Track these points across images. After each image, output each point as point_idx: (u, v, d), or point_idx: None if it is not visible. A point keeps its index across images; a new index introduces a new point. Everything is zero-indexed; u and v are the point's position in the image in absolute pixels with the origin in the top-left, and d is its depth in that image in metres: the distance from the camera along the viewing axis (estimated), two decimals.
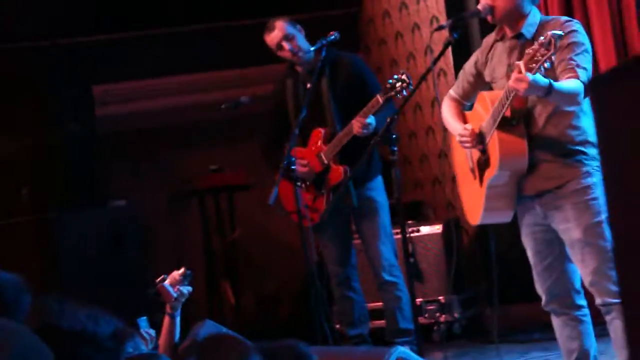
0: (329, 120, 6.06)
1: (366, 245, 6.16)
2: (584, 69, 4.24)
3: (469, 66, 4.67)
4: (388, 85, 5.64)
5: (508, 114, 4.29)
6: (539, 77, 4.07)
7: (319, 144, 6.06)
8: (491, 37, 4.58)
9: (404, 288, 6.08)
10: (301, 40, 6.01)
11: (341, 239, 6.18)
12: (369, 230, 6.11)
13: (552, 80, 4.12)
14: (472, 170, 4.54)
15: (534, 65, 4.04)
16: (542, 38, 4.05)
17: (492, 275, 4.58)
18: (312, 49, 5.96)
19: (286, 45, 6.00)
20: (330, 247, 6.13)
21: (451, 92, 4.75)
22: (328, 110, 6.05)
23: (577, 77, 4.20)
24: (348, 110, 5.90)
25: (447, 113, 4.69)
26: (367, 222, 6.11)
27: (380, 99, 5.67)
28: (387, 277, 6.09)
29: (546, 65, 4.05)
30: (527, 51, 4.12)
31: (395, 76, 5.64)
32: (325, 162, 6.03)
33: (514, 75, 4.10)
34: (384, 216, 6.09)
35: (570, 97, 4.21)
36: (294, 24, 6.07)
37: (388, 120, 4.62)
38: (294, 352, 2.48)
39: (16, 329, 2.12)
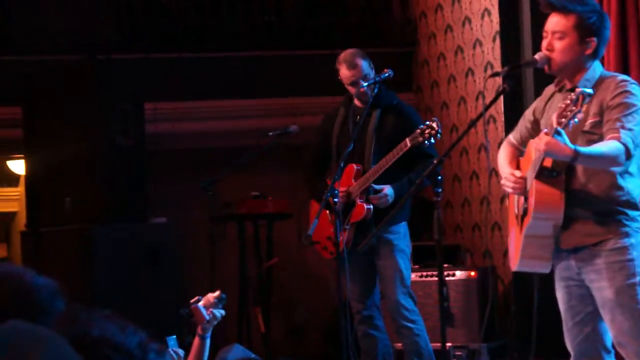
0: (366, 158, 6.06)
1: (382, 288, 6.13)
2: (629, 130, 4.17)
3: (528, 113, 4.63)
4: (418, 131, 5.68)
5: (549, 164, 4.26)
6: (564, 140, 4.04)
7: (351, 179, 6.07)
8: (552, 86, 4.54)
9: (422, 332, 6.03)
10: (371, 81, 5.99)
11: (361, 276, 6.10)
12: (384, 273, 6.07)
13: (578, 147, 4.09)
14: (517, 217, 4.52)
15: (563, 120, 4.03)
16: (572, 94, 4.03)
17: (532, 325, 4.51)
18: (365, 84, 5.97)
19: (362, 84, 5.99)
20: (351, 284, 5.98)
21: (510, 136, 4.71)
22: (368, 149, 6.05)
23: (619, 139, 4.15)
24: (387, 153, 5.90)
25: (502, 157, 4.66)
26: (383, 264, 6.07)
27: (408, 142, 5.72)
28: (402, 322, 6.03)
29: (574, 121, 4.02)
30: (559, 105, 4.11)
31: (427, 122, 5.68)
32: (352, 197, 6.05)
33: (541, 134, 4.09)
34: (401, 261, 6.04)
35: (604, 160, 4.17)
36: (369, 61, 6.08)
37: (435, 161, 4.61)
38: None
39: (48, 335, 2.14)
